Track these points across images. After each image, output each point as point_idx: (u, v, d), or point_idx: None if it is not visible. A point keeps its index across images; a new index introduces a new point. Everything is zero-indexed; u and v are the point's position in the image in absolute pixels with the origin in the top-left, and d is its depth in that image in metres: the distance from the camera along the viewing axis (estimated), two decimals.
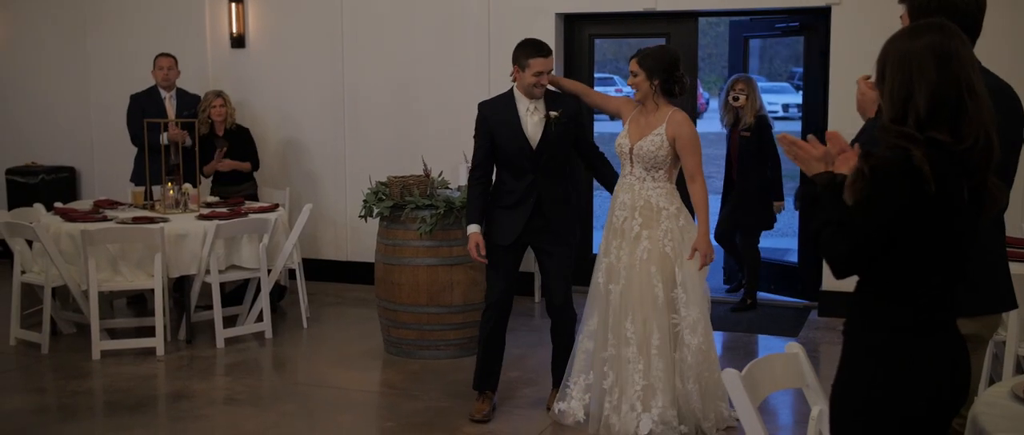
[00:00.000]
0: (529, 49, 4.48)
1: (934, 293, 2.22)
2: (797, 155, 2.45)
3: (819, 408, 2.69)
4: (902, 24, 3.00)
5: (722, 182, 7.23)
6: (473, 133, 4.69)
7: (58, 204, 6.62)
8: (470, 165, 4.70)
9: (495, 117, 4.58)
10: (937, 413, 2.24)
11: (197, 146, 6.64)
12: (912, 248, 2.18)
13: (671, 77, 4.36)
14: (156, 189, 6.52)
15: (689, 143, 4.37)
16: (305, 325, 6.50)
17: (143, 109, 6.89)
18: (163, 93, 6.98)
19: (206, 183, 7.02)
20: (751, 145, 6.68)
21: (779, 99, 19.93)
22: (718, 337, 6.31)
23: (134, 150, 7.01)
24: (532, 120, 4.54)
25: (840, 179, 2.29)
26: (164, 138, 6.73)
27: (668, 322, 4.34)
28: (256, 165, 7.15)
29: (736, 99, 6.71)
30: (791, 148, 2.46)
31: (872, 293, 2.27)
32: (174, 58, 7.03)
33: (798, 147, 2.45)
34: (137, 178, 6.99)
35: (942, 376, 2.22)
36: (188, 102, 7.05)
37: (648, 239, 4.35)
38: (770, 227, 6.88)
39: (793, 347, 2.76)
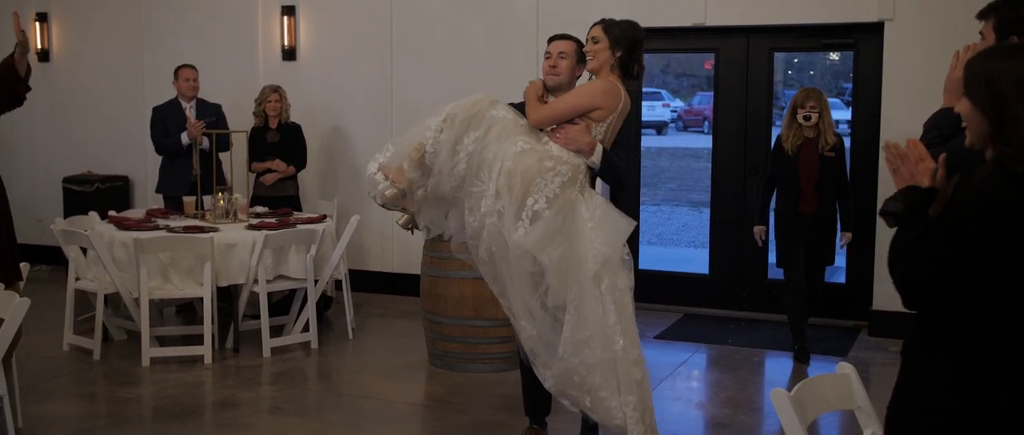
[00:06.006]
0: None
1: (1007, 320, 2.12)
2: (898, 169, 2.27)
3: (871, 431, 2.63)
4: (982, 39, 2.92)
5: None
6: None
7: (112, 212, 6.75)
8: None
9: None
10: None
11: (208, 146, 6.91)
12: (998, 281, 2.08)
13: (633, 55, 3.98)
14: (207, 199, 6.63)
15: (581, 91, 3.91)
16: (351, 336, 6.53)
17: (164, 120, 7.11)
18: (184, 104, 7.15)
19: (240, 182, 7.14)
20: (837, 166, 5.89)
21: None
22: (763, 356, 6.24)
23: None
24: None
25: (931, 197, 2.17)
26: (184, 138, 6.97)
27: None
28: (302, 164, 7.26)
29: (808, 118, 5.82)
30: (896, 161, 2.26)
31: (941, 317, 2.17)
32: (197, 70, 7.20)
33: (902, 161, 2.25)
34: (162, 188, 7.26)
35: (1006, 404, 2.11)
36: (208, 111, 7.19)
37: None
38: (832, 262, 6.12)
39: (845, 367, 2.71)
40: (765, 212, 6.17)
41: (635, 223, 3.92)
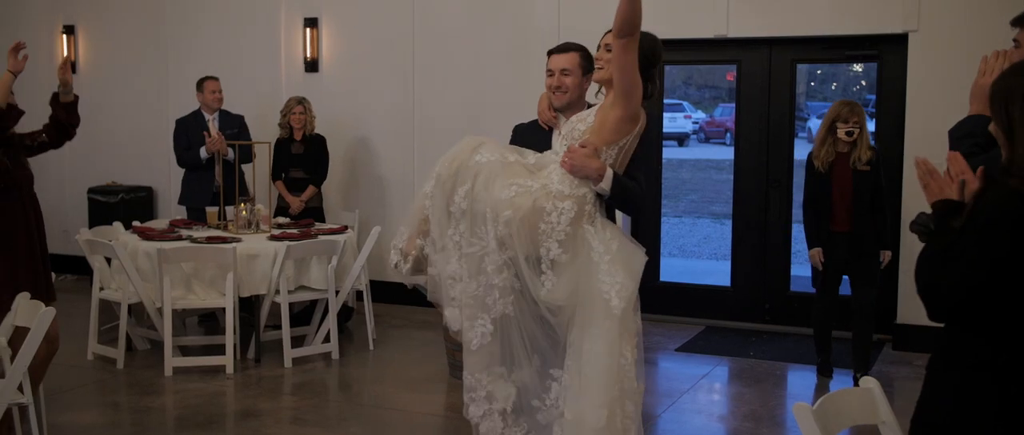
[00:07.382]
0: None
1: (1009, 334, 2.10)
2: (928, 184, 2.24)
3: None
4: (1015, 47, 2.87)
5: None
6: None
7: (136, 223, 6.81)
8: None
9: (523, 142, 3.88)
10: None
11: (232, 157, 6.96)
12: (1016, 294, 2.06)
13: (649, 71, 3.42)
14: (229, 210, 6.68)
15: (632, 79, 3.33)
16: (371, 347, 6.54)
17: (187, 132, 7.17)
18: (206, 115, 7.21)
19: (263, 193, 7.19)
20: (872, 181, 5.62)
21: None
22: (785, 369, 6.19)
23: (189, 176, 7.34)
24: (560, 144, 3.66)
25: (960, 210, 2.15)
26: (204, 152, 7.02)
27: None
28: (324, 176, 7.30)
29: (851, 133, 5.54)
30: (925, 177, 2.23)
31: (965, 329, 2.15)
32: (220, 81, 7.27)
33: (932, 176, 2.22)
34: (186, 199, 7.32)
35: (990, 418, 2.09)
36: (231, 122, 7.26)
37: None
38: (875, 280, 5.79)
39: (868, 381, 2.68)
40: (813, 233, 5.75)
41: (646, 258, 3.47)
